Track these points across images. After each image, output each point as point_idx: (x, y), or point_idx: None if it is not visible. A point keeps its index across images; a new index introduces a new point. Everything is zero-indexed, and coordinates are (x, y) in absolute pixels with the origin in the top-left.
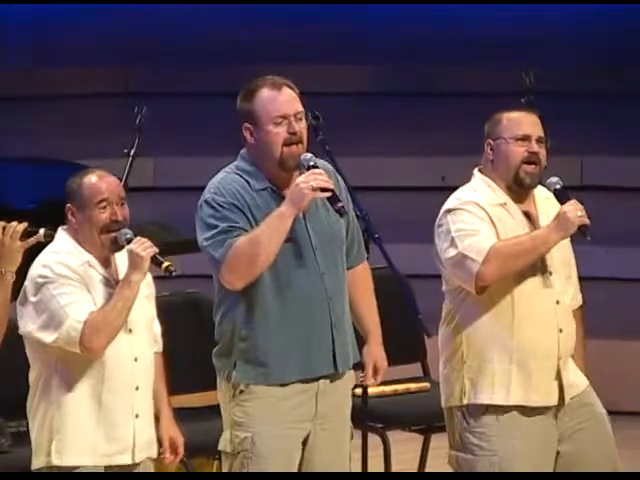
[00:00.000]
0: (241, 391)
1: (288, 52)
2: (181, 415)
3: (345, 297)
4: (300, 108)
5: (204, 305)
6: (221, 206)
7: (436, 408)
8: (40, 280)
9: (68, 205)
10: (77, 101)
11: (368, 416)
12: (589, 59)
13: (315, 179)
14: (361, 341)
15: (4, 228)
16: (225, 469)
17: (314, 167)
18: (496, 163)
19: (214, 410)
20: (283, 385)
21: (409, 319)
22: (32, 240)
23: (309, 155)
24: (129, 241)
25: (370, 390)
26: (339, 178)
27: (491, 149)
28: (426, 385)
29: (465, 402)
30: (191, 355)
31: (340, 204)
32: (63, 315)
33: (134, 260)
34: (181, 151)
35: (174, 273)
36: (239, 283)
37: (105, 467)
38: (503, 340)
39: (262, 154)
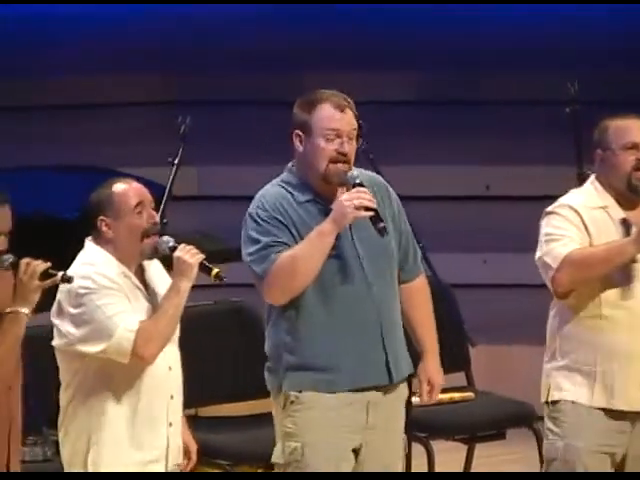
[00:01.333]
0: (292, 402)
1: (333, 60)
2: (226, 424)
3: (396, 308)
4: (355, 127)
5: (248, 314)
6: (264, 220)
7: (480, 418)
8: (82, 291)
9: (100, 217)
10: (122, 109)
11: (412, 425)
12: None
13: (359, 197)
14: (417, 356)
15: (27, 265)
16: None
17: (360, 185)
18: (607, 173)
19: (258, 419)
20: (333, 393)
21: (453, 329)
22: (48, 282)
23: (356, 172)
24: (173, 249)
25: (414, 399)
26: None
27: (601, 159)
28: (470, 395)
29: (551, 398)
30: (235, 363)
31: (382, 224)
32: (112, 325)
33: (182, 267)
34: (225, 160)
35: (225, 279)
36: (281, 299)
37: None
38: (589, 342)
39: (308, 164)
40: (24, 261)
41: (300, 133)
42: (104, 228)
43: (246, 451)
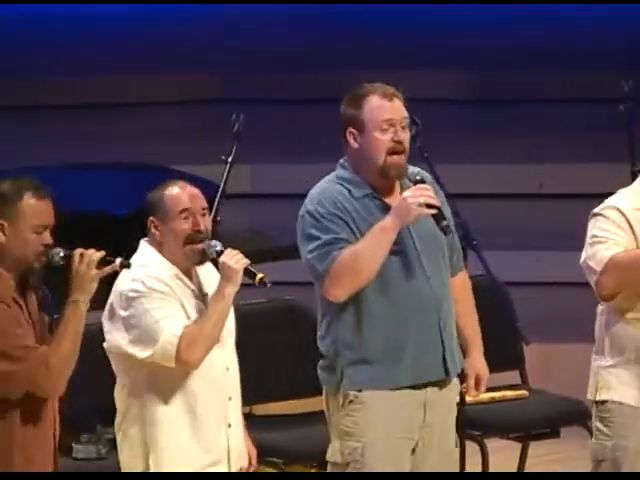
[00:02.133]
0: (351, 401)
1: (384, 58)
2: (278, 422)
3: (451, 302)
4: (406, 116)
5: (301, 312)
6: (323, 217)
7: (534, 416)
8: (132, 294)
9: (151, 218)
10: (175, 107)
11: (466, 424)
12: None
13: (423, 195)
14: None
15: (82, 255)
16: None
17: (421, 182)
18: None
19: (311, 417)
20: (393, 390)
21: (507, 326)
22: (107, 269)
23: (417, 169)
24: (219, 253)
25: (468, 398)
26: (436, 186)
27: None
28: (524, 393)
29: (599, 398)
30: (288, 362)
31: (445, 222)
32: (158, 330)
33: (227, 273)
34: (278, 158)
35: (268, 285)
36: (343, 296)
37: None
38: (636, 343)
39: (364, 160)
40: (78, 251)
41: (353, 130)
42: (153, 229)
43: (300, 449)
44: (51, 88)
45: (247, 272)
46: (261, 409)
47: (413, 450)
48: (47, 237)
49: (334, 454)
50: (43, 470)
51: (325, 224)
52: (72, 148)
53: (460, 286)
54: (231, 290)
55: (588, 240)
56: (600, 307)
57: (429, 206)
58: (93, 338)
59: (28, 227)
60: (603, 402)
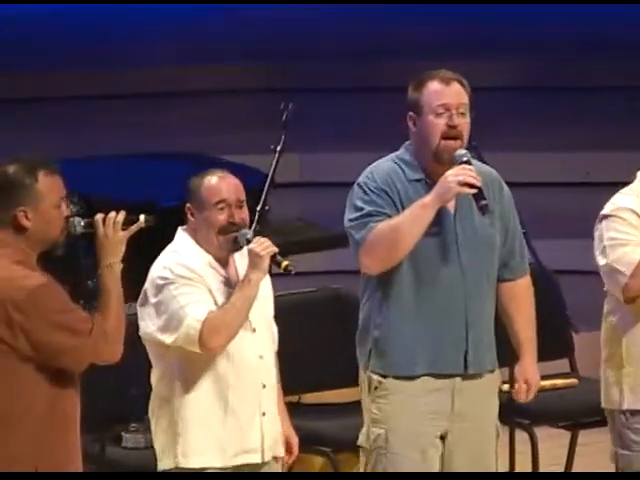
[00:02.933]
0: (375, 387)
1: (432, 47)
2: (325, 411)
3: (488, 301)
4: (464, 102)
5: (348, 301)
6: (372, 191)
7: (584, 404)
8: (160, 282)
9: (188, 205)
10: (224, 97)
11: (515, 412)
12: None
13: (464, 174)
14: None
15: (104, 220)
16: (362, 464)
17: (467, 163)
18: None
19: (358, 405)
20: (410, 379)
21: (556, 315)
22: (134, 228)
23: (464, 151)
24: (249, 241)
25: (504, 387)
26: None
27: None
28: (574, 381)
29: (624, 407)
30: (335, 351)
31: (484, 202)
32: (183, 315)
33: (254, 259)
34: (327, 147)
35: (293, 272)
36: (375, 267)
37: (233, 467)
38: None
39: (421, 144)
40: (99, 216)
41: (413, 114)
42: (189, 216)
43: (348, 437)
44: (110, 79)
45: (273, 259)
46: (310, 398)
47: (443, 438)
48: (65, 208)
49: (363, 439)
50: (77, 448)
51: (372, 197)
52: (129, 137)
53: (521, 291)
54: (257, 277)
55: (605, 243)
56: (612, 313)
57: (470, 186)
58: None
59: (50, 206)
60: (635, 412)
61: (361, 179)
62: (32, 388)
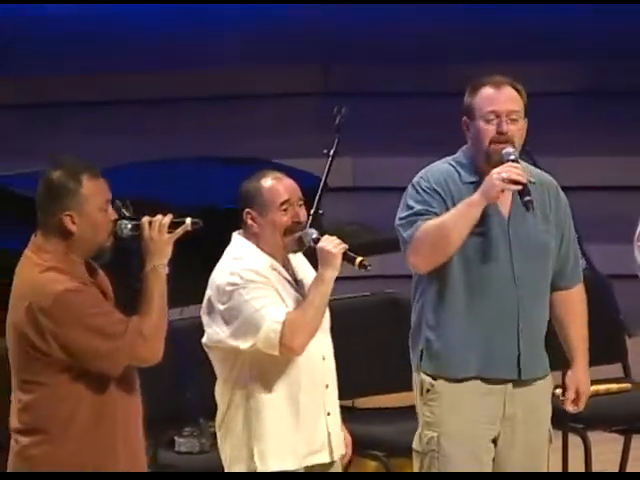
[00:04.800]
0: (427, 390)
1: (488, 51)
2: (379, 415)
3: (542, 307)
4: (516, 108)
5: (403, 305)
6: (424, 191)
7: (637, 409)
8: (229, 288)
9: (247, 210)
10: (277, 100)
11: (569, 417)
12: None
13: (509, 171)
14: (566, 363)
15: (150, 223)
16: (416, 467)
17: (514, 161)
18: None
19: (412, 410)
20: (460, 381)
21: (610, 319)
22: (180, 231)
23: (511, 149)
24: (316, 240)
25: (557, 391)
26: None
27: None
28: (627, 386)
29: None
30: (389, 355)
31: (528, 198)
32: (260, 318)
33: (326, 257)
34: (381, 151)
35: (369, 268)
36: (422, 265)
37: (305, 468)
38: None
39: (474, 148)
40: (146, 219)
41: (466, 119)
42: (249, 221)
43: (402, 442)
44: (170, 82)
45: (346, 256)
46: (364, 402)
47: (495, 442)
48: (112, 212)
49: (416, 442)
50: (139, 450)
51: (423, 197)
52: (183, 140)
53: (573, 298)
54: (331, 274)
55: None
56: None
57: (515, 183)
58: (194, 333)
59: (95, 209)
60: None
61: (416, 179)
62: (75, 395)
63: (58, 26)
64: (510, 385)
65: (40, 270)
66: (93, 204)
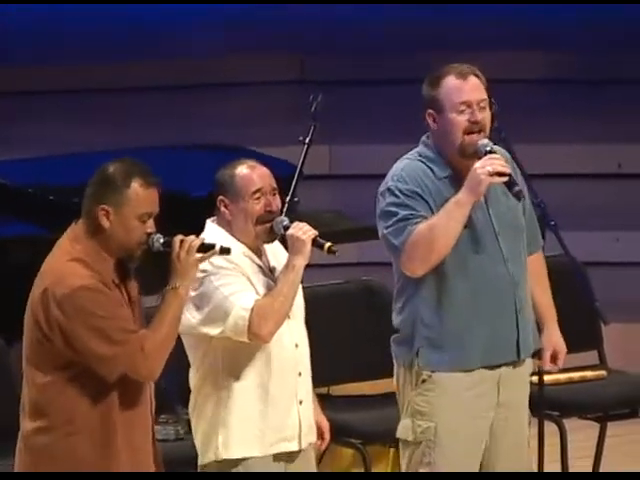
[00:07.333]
0: (424, 380)
1: (461, 40)
2: (356, 403)
3: (527, 284)
4: (484, 97)
5: (380, 293)
6: (403, 193)
7: (612, 396)
8: (200, 274)
9: (220, 198)
10: (253, 88)
11: (545, 404)
12: None
13: (492, 164)
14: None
15: (182, 242)
16: (404, 457)
17: (491, 152)
18: None
19: (389, 397)
20: (466, 371)
21: (585, 306)
22: (208, 255)
23: (486, 141)
24: (286, 228)
25: (546, 378)
26: (514, 166)
27: None
28: (602, 373)
29: None
30: (366, 342)
31: (517, 188)
32: (229, 305)
33: (295, 245)
34: (357, 139)
35: (337, 253)
36: (419, 270)
37: (273, 456)
38: None
39: (444, 141)
40: (178, 238)
41: (432, 112)
42: (222, 208)
43: (377, 429)
44: (143, 71)
45: (315, 242)
46: (339, 390)
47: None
48: (151, 225)
49: (405, 432)
50: (143, 452)
51: (404, 201)
52: (146, 129)
53: (535, 263)
54: (301, 262)
55: None
56: None
57: (500, 175)
58: None
59: (133, 215)
60: None
61: (390, 184)
62: (76, 389)
63: (27, 16)
64: (504, 370)
65: (67, 259)
66: (133, 209)
